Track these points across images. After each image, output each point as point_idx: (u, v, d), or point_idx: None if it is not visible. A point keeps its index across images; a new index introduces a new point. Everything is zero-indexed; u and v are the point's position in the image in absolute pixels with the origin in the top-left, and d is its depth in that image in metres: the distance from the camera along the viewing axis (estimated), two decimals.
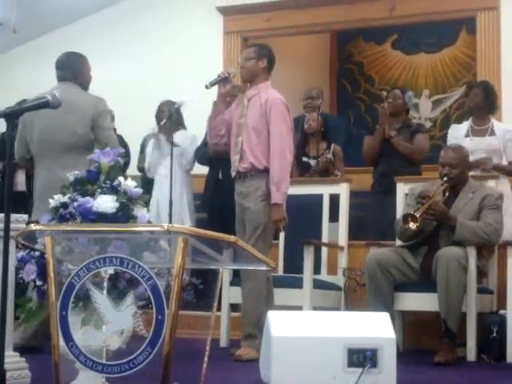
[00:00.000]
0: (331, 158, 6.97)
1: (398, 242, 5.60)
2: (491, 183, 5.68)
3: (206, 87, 5.18)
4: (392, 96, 6.78)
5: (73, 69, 5.31)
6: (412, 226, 5.23)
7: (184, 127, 7.21)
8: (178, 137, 6.90)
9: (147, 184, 7.05)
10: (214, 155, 6.69)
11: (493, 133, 6.32)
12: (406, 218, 5.24)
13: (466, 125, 6.44)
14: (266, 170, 5.07)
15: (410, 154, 6.57)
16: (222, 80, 5.21)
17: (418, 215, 5.20)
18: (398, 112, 6.75)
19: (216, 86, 5.24)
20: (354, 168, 7.68)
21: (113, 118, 7.30)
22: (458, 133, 6.38)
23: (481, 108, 6.36)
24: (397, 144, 6.56)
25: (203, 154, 7.03)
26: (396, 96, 6.76)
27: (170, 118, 6.90)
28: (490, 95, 6.39)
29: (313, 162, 6.96)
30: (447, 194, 5.36)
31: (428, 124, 10.38)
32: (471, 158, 5.98)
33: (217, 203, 6.84)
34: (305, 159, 7.01)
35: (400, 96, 6.77)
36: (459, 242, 5.16)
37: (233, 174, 5.22)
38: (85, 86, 5.37)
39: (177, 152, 6.84)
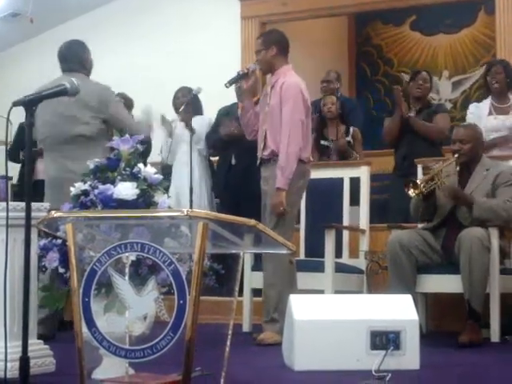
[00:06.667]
0: (350, 141, 6.94)
1: (420, 225, 5.58)
2: None
3: (226, 86, 5.17)
4: (421, 78, 6.68)
5: (79, 58, 5.20)
6: (411, 193, 5.20)
7: (201, 113, 7.19)
8: (194, 122, 6.88)
9: (168, 171, 7.05)
10: (227, 139, 6.67)
11: None
12: (408, 183, 5.21)
13: (486, 103, 6.38)
14: None
15: (428, 133, 6.50)
16: (242, 77, 5.19)
17: (418, 182, 5.19)
18: (426, 95, 6.72)
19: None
20: (374, 151, 7.65)
21: (131, 106, 7.31)
22: (480, 111, 6.34)
23: (504, 86, 6.32)
24: (414, 123, 6.49)
25: (214, 140, 6.99)
26: (425, 79, 6.69)
27: (187, 104, 6.88)
28: (510, 73, 6.35)
29: (331, 145, 6.94)
30: (458, 168, 5.30)
31: (448, 105, 10.31)
32: (495, 135, 6.02)
33: (230, 188, 6.82)
34: (324, 142, 6.99)
35: (428, 79, 6.71)
36: (478, 221, 5.13)
37: (258, 161, 5.21)
38: (90, 72, 5.29)
39: (194, 138, 6.82)
